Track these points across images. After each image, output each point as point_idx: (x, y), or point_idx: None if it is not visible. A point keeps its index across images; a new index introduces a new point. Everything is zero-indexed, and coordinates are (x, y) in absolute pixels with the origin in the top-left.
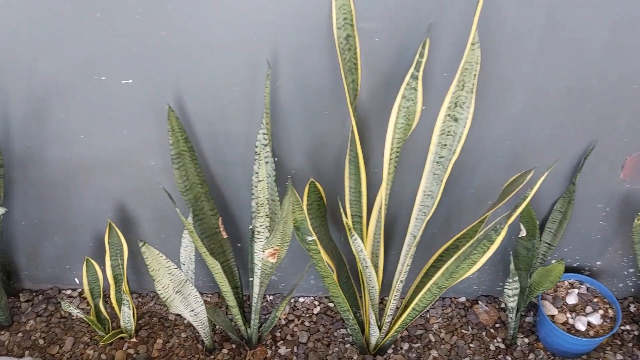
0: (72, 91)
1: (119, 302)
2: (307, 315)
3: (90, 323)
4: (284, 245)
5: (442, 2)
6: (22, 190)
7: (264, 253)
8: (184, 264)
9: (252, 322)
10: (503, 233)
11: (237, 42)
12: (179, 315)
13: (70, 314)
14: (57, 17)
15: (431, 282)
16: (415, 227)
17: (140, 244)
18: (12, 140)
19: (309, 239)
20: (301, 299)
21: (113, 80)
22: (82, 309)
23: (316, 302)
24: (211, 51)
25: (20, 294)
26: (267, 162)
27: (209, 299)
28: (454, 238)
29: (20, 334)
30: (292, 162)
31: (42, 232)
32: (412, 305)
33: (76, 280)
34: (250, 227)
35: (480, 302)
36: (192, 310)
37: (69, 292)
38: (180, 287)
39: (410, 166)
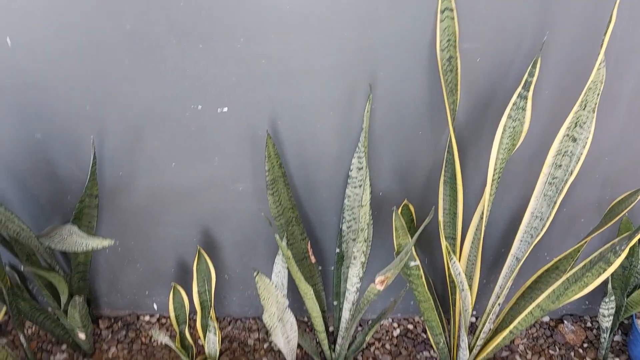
0: (168, 120)
1: (204, 328)
2: (387, 337)
3: (177, 350)
4: (395, 272)
5: (546, 21)
6: (108, 219)
7: (376, 280)
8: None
9: (337, 347)
10: (623, 255)
11: (335, 67)
12: (257, 339)
13: (151, 340)
14: (162, 49)
15: (534, 304)
16: (519, 250)
17: (255, 273)
18: (104, 170)
19: (412, 264)
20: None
21: (209, 108)
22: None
23: (395, 325)
24: (308, 77)
25: (100, 321)
26: (360, 186)
27: None
28: (556, 259)
29: None
30: (381, 184)
31: (124, 259)
32: (510, 328)
33: (154, 306)
34: (338, 251)
35: (565, 322)
36: (287, 337)
37: (147, 318)
38: (282, 315)
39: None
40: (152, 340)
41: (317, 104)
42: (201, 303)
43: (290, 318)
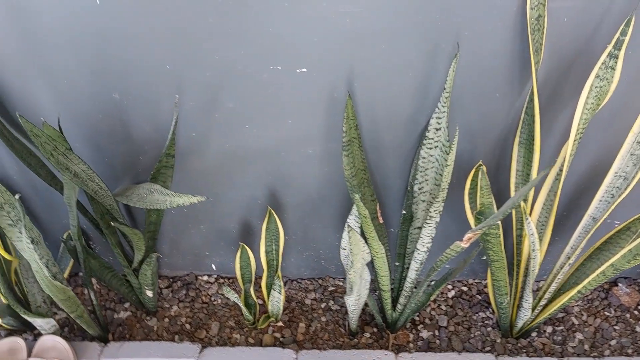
0: (246, 81)
1: (269, 287)
2: (443, 299)
3: (243, 308)
4: (483, 230)
5: None
6: (177, 180)
7: (464, 237)
8: (345, 249)
9: (399, 306)
10: None
11: (418, 26)
12: (314, 299)
13: (211, 299)
14: (248, 7)
15: (607, 264)
16: (597, 210)
17: (347, 229)
18: (178, 131)
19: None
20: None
21: (288, 69)
22: (221, 294)
23: (449, 286)
24: (391, 36)
25: (159, 281)
26: (436, 147)
27: (341, 283)
28: (628, 221)
29: (166, 320)
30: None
31: (189, 221)
32: (579, 287)
33: (213, 266)
34: (404, 212)
35: (619, 284)
36: (359, 295)
37: (205, 278)
38: (362, 272)
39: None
40: (213, 299)
41: (396, 64)
42: (268, 262)
43: (367, 275)
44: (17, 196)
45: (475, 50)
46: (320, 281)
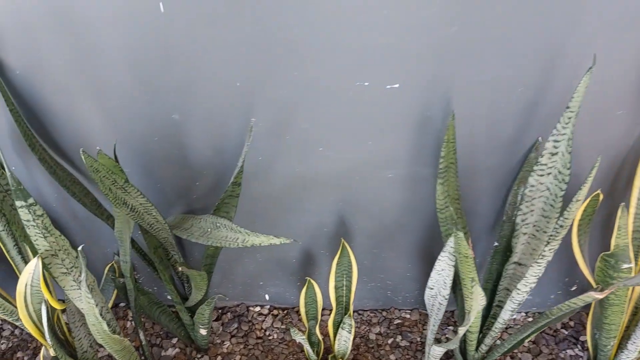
0: (325, 100)
1: (336, 325)
2: None
3: (307, 346)
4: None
5: None
6: (237, 206)
7: (605, 290)
8: (432, 288)
9: (482, 347)
10: None
11: (536, 34)
12: (379, 334)
13: (266, 333)
14: (333, 16)
15: None
16: None
17: (472, 283)
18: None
19: (625, 266)
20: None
21: (377, 85)
22: (277, 328)
23: (530, 319)
24: (499, 46)
25: None
26: (549, 174)
27: (408, 316)
28: None
29: (219, 358)
30: None
31: (245, 249)
32: None
33: (266, 296)
34: (497, 244)
35: None
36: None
37: (257, 309)
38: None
39: None
40: (268, 333)
41: (505, 78)
42: (337, 299)
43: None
44: (79, 248)
45: (601, 65)
46: (384, 313)
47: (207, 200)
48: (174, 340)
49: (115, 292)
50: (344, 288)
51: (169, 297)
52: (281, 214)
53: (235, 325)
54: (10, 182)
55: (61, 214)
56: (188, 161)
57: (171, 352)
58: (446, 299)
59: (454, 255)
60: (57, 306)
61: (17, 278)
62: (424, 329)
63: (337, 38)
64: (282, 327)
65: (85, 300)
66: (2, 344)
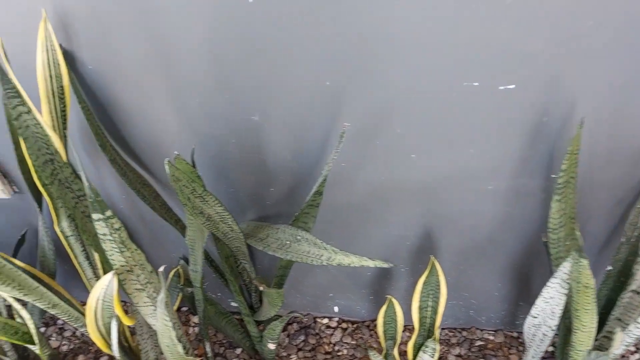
0: (426, 102)
1: (417, 347)
2: None
3: None
4: None
5: None
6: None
7: None
8: (537, 317)
9: None
10: None
11: None
12: (459, 356)
13: (334, 348)
14: (441, 9)
15: None
16: None
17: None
18: (324, 160)
19: None
20: None
21: (488, 86)
22: (346, 343)
23: (632, 347)
24: (635, 47)
25: None
26: None
27: (491, 337)
28: None
29: None
30: None
31: None
32: None
33: (335, 308)
34: (610, 268)
35: None
36: None
37: (325, 321)
38: None
39: None
40: (337, 348)
41: (637, 84)
42: (420, 320)
43: None
44: (161, 269)
45: None
46: (464, 333)
47: (281, 207)
48: (238, 351)
49: (180, 296)
50: (429, 309)
51: (232, 303)
52: (360, 225)
53: (302, 337)
54: (87, 194)
55: (128, 216)
56: (265, 165)
57: None
58: (553, 330)
59: (568, 283)
60: (128, 322)
61: (80, 278)
62: (510, 353)
63: (444, 32)
64: (352, 342)
65: (161, 322)
66: (63, 345)
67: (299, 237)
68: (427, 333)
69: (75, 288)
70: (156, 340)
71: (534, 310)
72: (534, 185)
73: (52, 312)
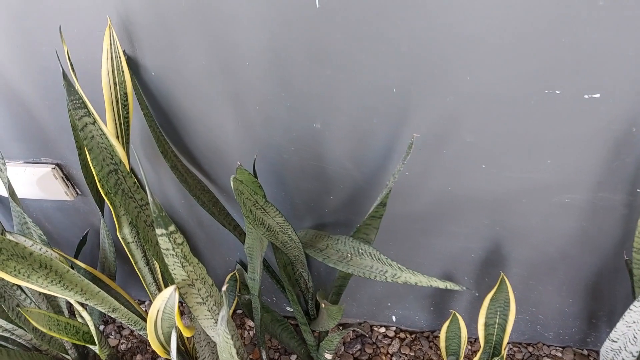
0: (501, 109)
1: None
2: None
3: None
4: None
5: None
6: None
7: None
8: (616, 341)
9: None
10: None
11: None
12: None
13: (391, 359)
14: (515, 11)
15: None
16: None
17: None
18: (387, 168)
19: None
20: None
21: (571, 94)
22: (405, 354)
23: None
24: None
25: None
26: None
27: (559, 354)
28: None
29: None
30: None
31: None
32: None
33: (393, 317)
34: None
35: None
36: None
37: (382, 330)
38: None
39: None
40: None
41: None
42: (486, 337)
43: None
44: (224, 288)
45: None
46: (530, 348)
47: (339, 216)
48: (293, 358)
49: (235, 300)
50: (496, 326)
51: (288, 308)
52: (422, 236)
53: (359, 346)
54: (151, 209)
55: (186, 220)
56: (324, 174)
57: None
58: (634, 357)
59: None
60: (188, 334)
61: (138, 278)
62: None
63: (525, 34)
64: (411, 354)
65: (222, 339)
66: (122, 343)
67: (361, 251)
68: (493, 350)
69: (133, 287)
70: (213, 348)
71: (613, 334)
72: (616, 199)
73: (113, 315)
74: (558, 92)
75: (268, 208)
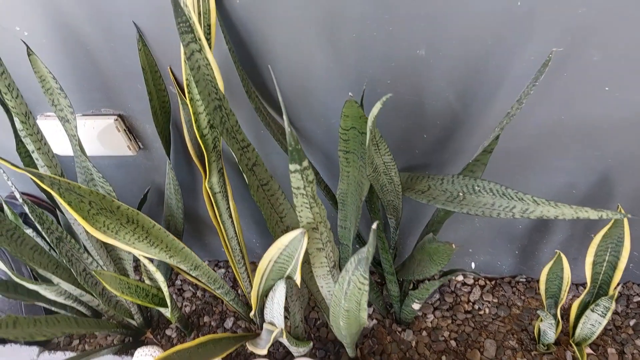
0: (636, 20)
1: (583, 305)
2: None
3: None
4: None
5: None
6: (457, 160)
7: None
8: None
9: None
10: None
11: None
12: (616, 313)
13: (474, 306)
14: None
15: None
16: None
17: None
18: (494, 105)
19: None
20: None
21: None
22: (487, 301)
23: None
24: None
25: None
26: None
27: None
28: None
29: (424, 333)
30: None
31: (461, 214)
32: None
33: (472, 264)
34: None
35: None
36: None
37: (460, 277)
38: None
39: None
40: (477, 307)
41: None
42: (592, 276)
43: None
44: (374, 226)
45: None
46: (619, 287)
47: (430, 157)
48: (370, 310)
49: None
50: (605, 264)
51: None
52: (519, 172)
53: (437, 295)
54: (288, 141)
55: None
56: (421, 109)
57: (369, 323)
58: None
59: None
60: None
61: (200, 237)
62: None
63: None
64: (494, 300)
65: (354, 285)
66: (185, 306)
67: (477, 188)
68: (597, 291)
69: (193, 247)
70: (302, 303)
71: None
72: None
73: (193, 273)
74: None
75: (381, 144)
